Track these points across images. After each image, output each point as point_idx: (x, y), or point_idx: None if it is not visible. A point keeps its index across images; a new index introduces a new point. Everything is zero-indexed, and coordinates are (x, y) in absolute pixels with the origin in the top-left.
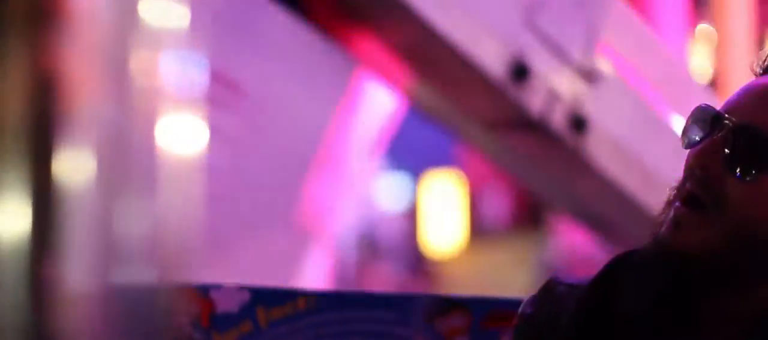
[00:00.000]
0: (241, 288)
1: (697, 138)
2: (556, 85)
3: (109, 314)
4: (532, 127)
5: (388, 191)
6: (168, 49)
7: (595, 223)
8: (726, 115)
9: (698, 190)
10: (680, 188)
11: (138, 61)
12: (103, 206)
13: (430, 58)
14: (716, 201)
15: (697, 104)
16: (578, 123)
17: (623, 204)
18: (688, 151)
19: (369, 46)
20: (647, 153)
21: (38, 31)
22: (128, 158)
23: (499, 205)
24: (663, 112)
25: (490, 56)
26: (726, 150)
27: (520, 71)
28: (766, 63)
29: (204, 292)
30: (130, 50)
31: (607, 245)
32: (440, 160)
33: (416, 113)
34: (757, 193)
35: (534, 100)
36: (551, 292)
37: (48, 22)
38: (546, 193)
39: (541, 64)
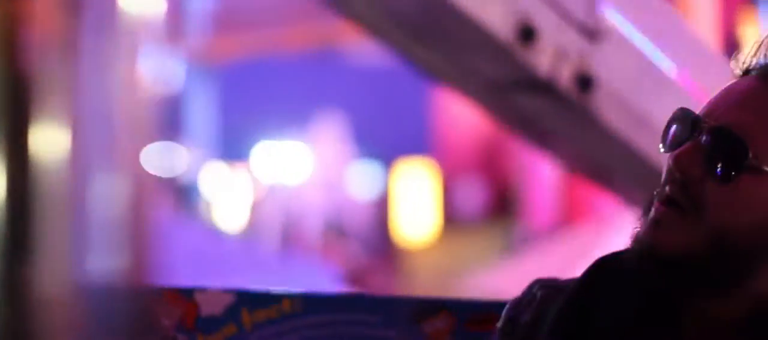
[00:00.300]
0: (226, 291)
1: (677, 141)
2: (561, 46)
3: (84, 312)
4: (540, 88)
5: (359, 179)
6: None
7: (605, 180)
8: (704, 118)
9: (677, 193)
10: (660, 190)
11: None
12: (78, 195)
13: (436, 24)
14: (695, 204)
15: (678, 106)
16: (584, 82)
17: (632, 160)
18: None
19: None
20: (654, 109)
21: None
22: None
23: (471, 194)
24: (668, 68)
25: (497, 19)
26: (704, 153)
27: (527, 33)
28: (745, 65)
29: (188, 294)
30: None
31: (618, 201)
32: (412, 148)
33: (423, 78)
34: (735, 196)
35: (541, 62)
36: (535, 295)
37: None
38: (555, 152)
39: (547, 24)
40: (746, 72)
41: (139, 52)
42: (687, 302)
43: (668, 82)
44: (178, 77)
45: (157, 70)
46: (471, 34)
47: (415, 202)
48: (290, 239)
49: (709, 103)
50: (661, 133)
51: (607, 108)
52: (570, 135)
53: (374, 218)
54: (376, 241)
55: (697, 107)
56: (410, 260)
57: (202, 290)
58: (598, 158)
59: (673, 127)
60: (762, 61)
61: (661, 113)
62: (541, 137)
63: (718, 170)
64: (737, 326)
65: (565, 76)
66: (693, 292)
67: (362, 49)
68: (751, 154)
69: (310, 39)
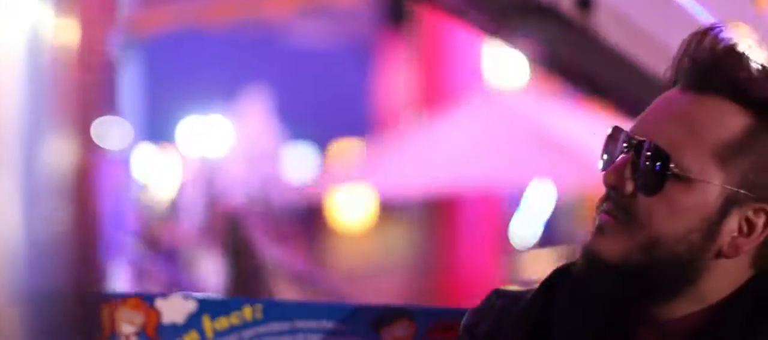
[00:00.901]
0: (188, 297)
1: (610, 157)
2: None
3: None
4: (542, 10)
5: (293, 162)
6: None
7: (610, 98)
8: (632, 134)
9: (613, 207)
10: (599, 203)
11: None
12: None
13: None
14: (629, 217)
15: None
16: (584, 2)
17: (634, 77)
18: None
19: None
20: (654, 26)
21: None
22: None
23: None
24: None
25: None
26: (632, 168)
27: None
28: (668, 75)
29: (150, 301)
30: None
31: (620, 118)
32: (348, 130)
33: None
34: (664, 205)
35: None
36: (494, 304)
37: None
38: (560, 73)
39: None
40: (673, 83)
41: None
42: (637, 310)
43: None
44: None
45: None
46: None
47: (350, 185)
48: (213, 215)
49: (638, 118)
50: (661, 49)
51: (606, 27)
52: (573, 56)
53: (307, 200)
54: (307, 222)
55: (696, 26)
56: (343, 244)
57: (164, 296)
58: (601, 77)
59: (607, 145)
60: (685, 71)
61: (661, 29)
62: (547, 60)
63: (645, 182)
64: (688, 331)
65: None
66: (639, 299)
67: (302, 30)
68: (673, 164)
69: (241, 13)
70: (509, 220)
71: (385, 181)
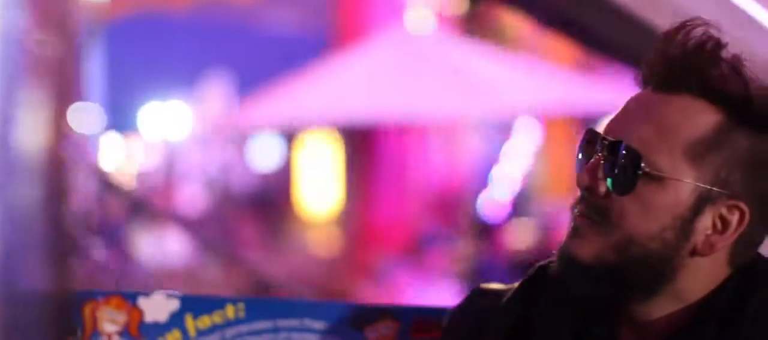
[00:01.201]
0: (170, 296)
1: (585, 159)
2: None
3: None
4: None
5: (260, 148)
6: None
7: (609, 51)
8: (605, 135)
9: (587, 208)
10: (574, 204)
11: None
12: None
13: None
14: (602, 218)
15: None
16: None
17: (632, 27)
18: None
19: None
20: None
21: None
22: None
23: None
24: None
25: None
26: (604, 169)
27: None
28: (638, 77)
29: (132, 300)
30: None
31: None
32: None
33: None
34: (637, 205)
35: None
36: (476, 302)
37: None
38: (560, 29)
39: None
40: (646, 83)
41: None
42: (616, 310)
43: None
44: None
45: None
46: None
47: (318, 174)
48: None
49: (611, 118)
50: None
51: None
52: (571, 11)
53: (274, 188)
54: (275, 211)
55: None
56: (310, 233)
57: (146, 295)
58: (609, 38)
59: (582, 146)
60: (656, 70)
61: None
62: (556, 24)
63: (617, 182)
64: (668, 330)
65: None
66: (618, 299)
67: (273, 17)
68: (644, 164)
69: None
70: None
71: (299, 112)
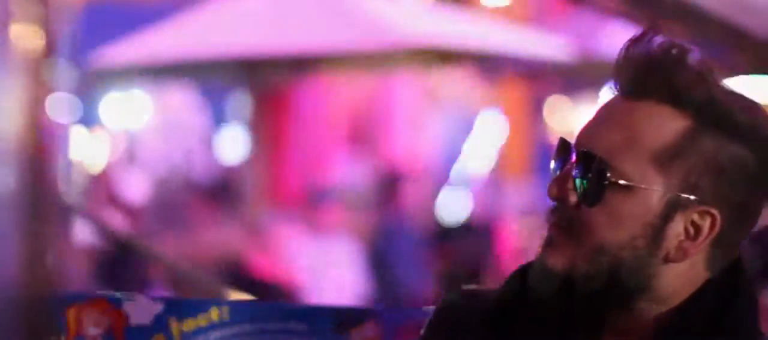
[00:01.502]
0: (155, 299)
1: (557, 168)
2: None
3: None
4: None
5: (227, 140)
6: None
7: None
8: (575, 145)
9: (558, 219)
10: (548, 215)
11: None
12: None
13: None
14: (573, 227)
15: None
16: None
17: None
18: None
19: None
20: None
21: None
22: None
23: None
24: None
25: None
26: (574, 179)
27: None
28: (609, 85)
29: (117, 303)
30: None
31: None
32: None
33: None
34: (606, 214)
35: None
36: (457, 304)
37: None
38: None
39: None
40: (615, 90)
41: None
42: (596, 318)
43: None
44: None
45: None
46: None
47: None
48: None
49: (582, 128)
50: None
51: None
52: None
53: (239, 180)
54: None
55: None
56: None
57: (131, 298)
58: None
59: (554, 157)
60: (623, 78)
61: None
62: None
63: (586, 192)
64: (650, 337)
65: None
66: (595, 308)
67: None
68: (610, 173)
69: None
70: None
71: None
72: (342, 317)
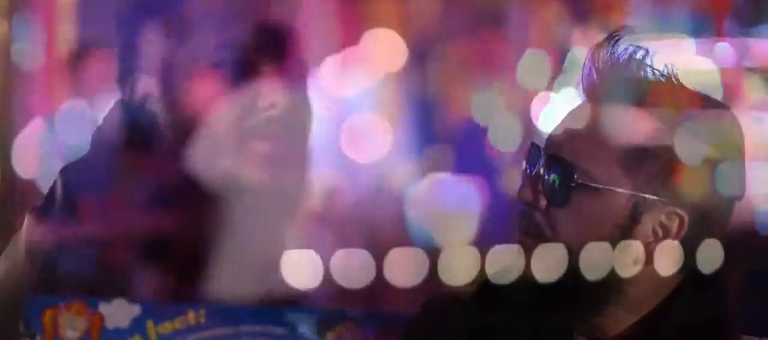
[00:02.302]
0: (132, 302)
1: (528, 172)
2: None
3: None
4: None
5: None
6: None
7: None
8: (543, 150)
9: (528, 224)
10: (519, 219)
11: None
12: None
13: None
14: (544, 231)
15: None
16: None
17: None
18: None
19: None
20: None
21: None
22: None
23: None
24: None
25: None
26: (542, 183)
27: None
28: (577, 89)
29: (94, 306)
30: None
31: None
32: None
33: None
34: (575, 217)
35: None
36: (433, 307)
37: None
38: None
39: None
40: (582, 94)
41: None
42: (570, 323)
43: None
44: None
45: None
46: None
47: None
48: None
49: (550, 132)
50: None
51: None
52: None
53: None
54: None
55: None
56: None
57: (108, 301)
58: None
59: (526, 162)
60: (589, 81)
61: None
62: None
63: (554, 195)
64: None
65: None
66: (568, 311)
67: None
68: (577, 176)
69: None
70: None
71: None
72: (319, 320)
